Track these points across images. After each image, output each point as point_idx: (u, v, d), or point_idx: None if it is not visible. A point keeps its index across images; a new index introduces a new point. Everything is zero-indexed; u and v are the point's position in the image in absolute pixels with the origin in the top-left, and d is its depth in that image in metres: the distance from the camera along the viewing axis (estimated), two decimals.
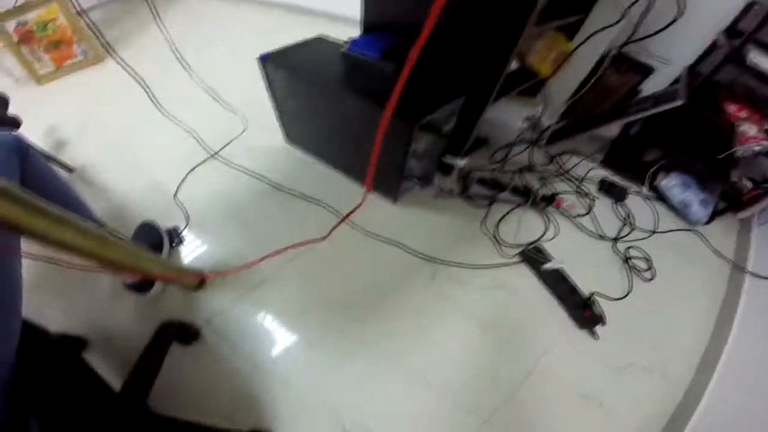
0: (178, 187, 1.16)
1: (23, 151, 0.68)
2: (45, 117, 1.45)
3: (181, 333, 0.81)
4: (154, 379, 0.69)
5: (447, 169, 1.08)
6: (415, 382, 0.78)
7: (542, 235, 1.04)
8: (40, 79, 1.73)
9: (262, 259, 0.90)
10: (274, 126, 1.27)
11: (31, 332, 0.58)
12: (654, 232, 1.09)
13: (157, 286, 0.88)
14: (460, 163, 1.04)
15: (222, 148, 1.30)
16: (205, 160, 1.25)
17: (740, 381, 0.76)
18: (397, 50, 0.97)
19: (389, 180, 1.04)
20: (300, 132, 1.25)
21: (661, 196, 1.19)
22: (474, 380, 0.78)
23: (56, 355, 0.62)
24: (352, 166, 1.17)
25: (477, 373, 0.79)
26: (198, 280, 0.90)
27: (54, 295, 0.90)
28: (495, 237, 1.02)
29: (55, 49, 1.80)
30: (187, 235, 1.03)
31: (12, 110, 1.13)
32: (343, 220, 0.87)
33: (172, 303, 0.88)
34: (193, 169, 1.22)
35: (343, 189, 1.16)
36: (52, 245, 0.51)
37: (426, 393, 0.77)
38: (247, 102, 1.47)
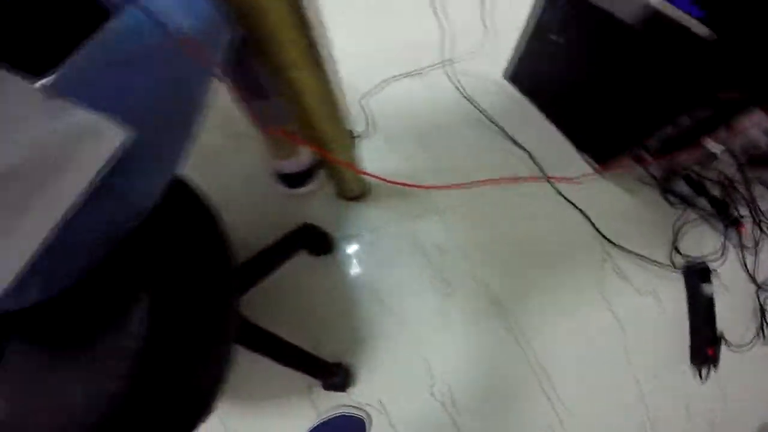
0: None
1: None
2: None
3: (315, 241, 0.75)
4: (263, 279, 0.65)
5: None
6: (527, 368, 0.79)
7: (714, 256, 0.99)
8: None
9: (447, 186, 0.79)
10: (496, 55, 1.11)
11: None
12: None
13: (311, 185, 0.77)
14: (717, 149, 0.86)
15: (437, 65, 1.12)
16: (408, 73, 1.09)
17: None
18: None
19: (615, 145, 0.94)
20: (532, 72, 1.09)
21: None
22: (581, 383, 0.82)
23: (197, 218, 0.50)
24: (579, 127, 1.05)
25: (587, 375, 0.83)
26: (359, 190, 0.78)
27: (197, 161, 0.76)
28: (675, 241, 0.95)
29: None
30: (364, 143, 0.92)
31: None
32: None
33: (319, 208, 0.80)
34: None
35: (555, 147, 1.04)
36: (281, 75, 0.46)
37: (533, 382, 0.78)
38: (473, 20, 1.21)
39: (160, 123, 0.41)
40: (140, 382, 0.35)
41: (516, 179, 0.91)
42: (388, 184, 0.78)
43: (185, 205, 0.46)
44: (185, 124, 0.44)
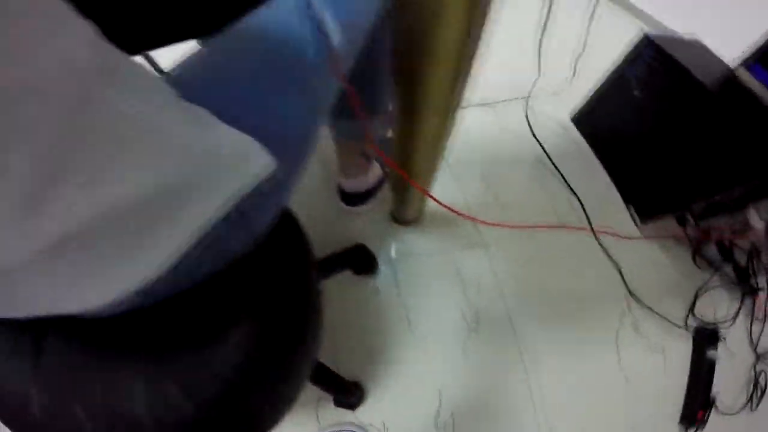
0: None
1: None
2: None
3: (363, 262, 0.74)
4: None
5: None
6: (530, 406, 0.80)
7: (726, 322, 1.01)
8: None
9: (500, 224, 0.78)
10: (571, 98, 1.11)
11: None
12: None
13: (369, 205, 0.75)
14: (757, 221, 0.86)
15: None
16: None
17: None
18: None
19: (664, 204, 0.95)
20: (599, 119, 1.11)
21: None
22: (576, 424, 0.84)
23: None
24: (631, 180, 1.05)
25: (583, 417, 0.85)
26: (415, 215, 0.76)
27: None
28: (693, 304, 0.96)
29: None
30: None
31: None
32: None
33: (370, 228, 0.79)
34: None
35: (604, 194, 1.05)
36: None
37: (532, 419, 0.79)
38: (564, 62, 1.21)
39: (299, 150, 0.39)
40: (216, 409, 0.34)
41: (564, 227, 0.92)
42: (443, 210, 0.77)
43: (284, 230, 0.44)
44: (313, 147, 0.41)
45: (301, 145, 0.39)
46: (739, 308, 1.04)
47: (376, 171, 0.84)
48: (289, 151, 0.37)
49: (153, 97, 0.27)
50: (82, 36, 0.21)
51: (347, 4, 0.40)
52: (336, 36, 0.37)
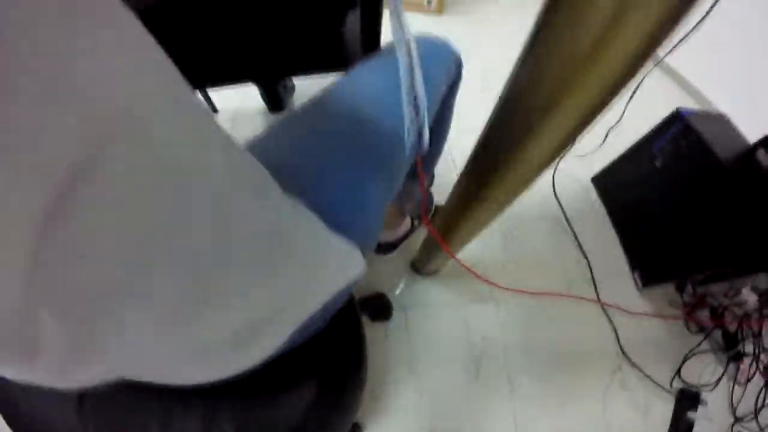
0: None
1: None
2: None
3: (381, 310, 0.79)
4: None
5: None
6: None
7: (709, 386, 1.06)
8: None
9: (512, 289, 0.83)
10: (596, 162, 1.17)
11: None
12: None
13: (393, 253, 0.80)
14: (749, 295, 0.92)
15: None
16: None
17: None
18: None
19: (668, 272, 0.99)
20: (618, 183, 1.15)
21: None
22: None
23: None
24: (640, 246, 1.09)
25: None
26: (436, 269, 0.81)
27: None
28: (680, 367, 1.03)
29: None
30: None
31: None
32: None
33: (391, 274, 0.83)
34: None
35: (612, 258, 1.09)
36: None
37: None
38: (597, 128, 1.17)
39: (375, 237, 0.41)
40: None
41: (572, 297, 0.97)
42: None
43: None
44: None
45: (377, 231, 0.41)
46: (723, 373, 1.10)
47: (407, 223, 0.90)
48: (369, 238, 0.39)
49: (283, 206, 0.28)
50: (217, 142, 0.22)
51: (434, 95, 0.44)
52: (428, 141, 0.41)
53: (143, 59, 0.17)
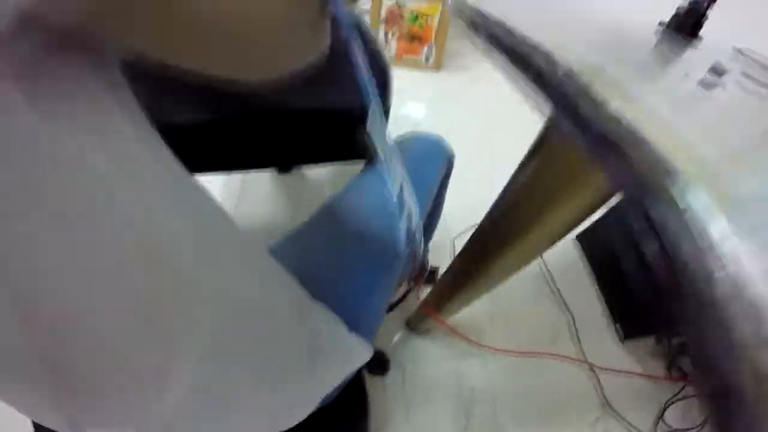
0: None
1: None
2: None
3: (377, 365, 0.89)
4: None
5: None
6: None
7: (693, 429, 1.13)
8: None
9: (499, 350, 0.93)
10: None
11: None
12: None
13: (392, 312, 0.92)
14: None
15: None
16: None
17: None
18: None
19: (648, 327, 1.06)
20: (600, 239, 1.22)
21: None
22: None
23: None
24: (622, 301, 1.16)
25: None
26: (429, 328, 0.92)
27: None
28: (661, 414, 1.10)
29: (407, 42, 1.83)
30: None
31: None
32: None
33: (388, 331, 0.94)
34: None
35: (594, 312, 1.15)
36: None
37: None
38: None
39: (377, 330, 0.46)
40: None
41: (557, 356, 1.06)
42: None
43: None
44: None
45: (379, 324, 0.47)
46: (707, 417, 1.16)
47: (403, 287, 1.02)
48: (372, 333, 0.44)
49: (313, 313, 0.34)
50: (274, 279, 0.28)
51: (428, 194, 0.51)
52: (422, 246, 0.47)
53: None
